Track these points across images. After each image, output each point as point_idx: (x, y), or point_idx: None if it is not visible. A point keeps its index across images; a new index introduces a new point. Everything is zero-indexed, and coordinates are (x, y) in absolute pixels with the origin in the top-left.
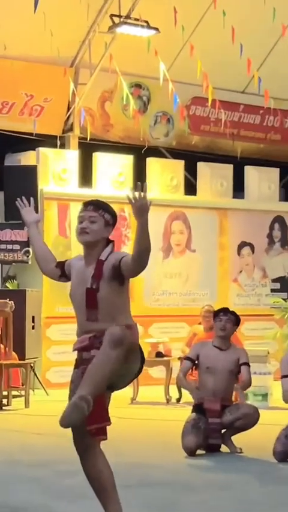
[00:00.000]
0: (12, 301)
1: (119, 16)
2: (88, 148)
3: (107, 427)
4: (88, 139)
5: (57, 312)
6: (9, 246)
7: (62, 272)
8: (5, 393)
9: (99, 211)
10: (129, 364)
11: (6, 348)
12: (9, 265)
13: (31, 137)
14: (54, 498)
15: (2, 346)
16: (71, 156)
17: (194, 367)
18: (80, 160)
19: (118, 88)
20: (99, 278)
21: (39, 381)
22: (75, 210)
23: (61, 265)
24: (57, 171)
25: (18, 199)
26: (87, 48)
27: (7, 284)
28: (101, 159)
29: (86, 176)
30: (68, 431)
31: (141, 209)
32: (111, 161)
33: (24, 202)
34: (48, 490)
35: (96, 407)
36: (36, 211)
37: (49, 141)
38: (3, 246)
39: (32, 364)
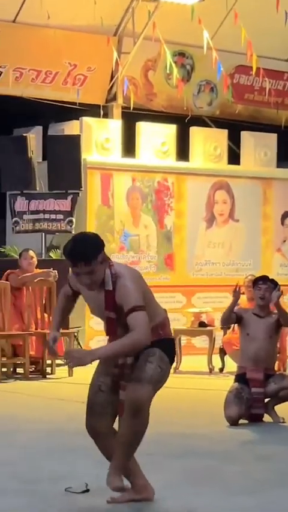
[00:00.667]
0: (55, 271)
1: None
2: (131, 117)
3: None
4: (131, 108)
5: None
6: (53, 216)
7: (73, 291)
8: (48, 362)
9: (92, 262)
10: (167, 365)
11: (50, 317)
12: (52, 235)
13: (74, 107)
14: (99, 466)
15: (46, 315)
16: (114, 125)
17: (236, 325)
18: (123, 130)
19: (161, 57)
20: (114, 309)
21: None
22: (118, 179)
23: (71, 288)
24: (101, 141)
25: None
26: (131, 17)
27: (50, 254)
28: (144, 129)
29: (129, 146)
30: None
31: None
32: (154, 130)
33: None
34: (93, 458)
35: None
36: (80, 183)
37: (92, 110)
38: (46, 216)
39: (75, 333)
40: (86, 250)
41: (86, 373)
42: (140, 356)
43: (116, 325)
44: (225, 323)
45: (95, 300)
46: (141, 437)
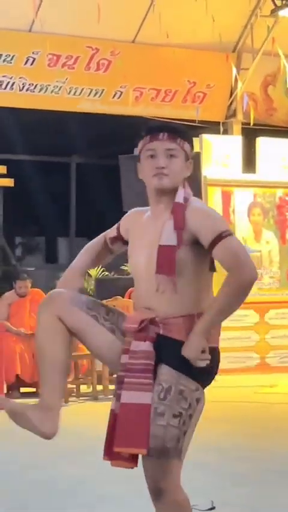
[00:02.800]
0: None
1: None
2: (251, 133)
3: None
4: (251, 124)
5: None
6: None
7: (116, 237)
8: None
9: (178, 140)
10: (193, 396)
11: None
12: None
13: (194, 124)
14: (219, 483)
15: None
16: (234, 141)
17: None
18: (243, 146)
19: (281, 71)
20: (180, 229)
21: None
22: (239, 195)
23: (117, 231)
24: (221, 157)
25: None
26: (250, 33)
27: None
28: (264, 144)
29: (249, 161)
30: (238, 419)
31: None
32: (274, 146)
33: None
34: (213, 475)
35: None
36: (200, 196)
37: (212, 127)
38: None
39: None
40: (177, 126)
41: (211, 389)
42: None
43: (173, 259)
44: None
45: (148, 230)
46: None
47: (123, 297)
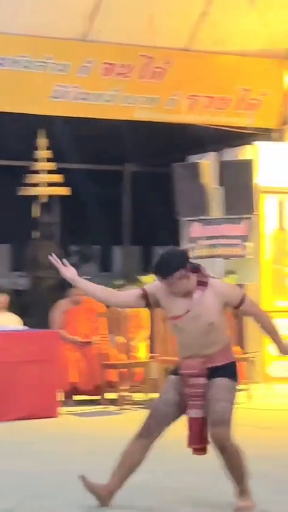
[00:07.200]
0: None
1: None
2: None
3: None
4: None
5: (276, 307)
6: (228, 241)
7: (146, 302)
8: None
9: (168, 278)
10: (236, 389)
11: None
12: (227, 259)
13: (248, 131)
14: (280, 493)
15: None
16: None
17: None
18: None
19: None
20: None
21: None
22: None
23: (145, 295)
24: (274, 165)
25: (50, 256)
26: None
27: (227, 278)
28: None
29: None
30: None
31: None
32: None
33: (56, 260)
34: (273, 484)
35: None
36: (252, 204)
37: (266, 134)
38: (222, 241)
39: (253, 358)
40: (162, 268)
41: (264, 398)
42: (215, 383)
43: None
44: None
45: (185, 304)
46: (241, 463)
47: None
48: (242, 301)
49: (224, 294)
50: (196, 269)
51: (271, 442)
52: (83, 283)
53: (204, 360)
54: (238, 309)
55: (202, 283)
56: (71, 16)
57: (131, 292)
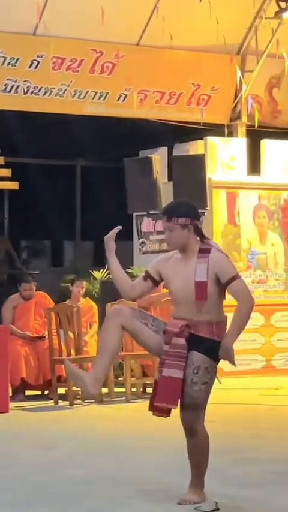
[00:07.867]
0: None
1: (286, 0)
2: (256, 135)
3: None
4: (256, 126)
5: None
6: None
7: (153, 281)
8: None
9: (172, 219)
10: (212, 370)
11: None
12: None
13: (199, 127)
14: (225, 485)
15: None
16: (239, 144)
17: None
18: (248, 148)
19: (286, 74)
20: (206, 273)
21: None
22: (244, 198)
23: (148, 276)
24: (225, 160)
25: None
26: (254, 35)
27: None
28: (269, 146)
29: (254, 164)
30: (238, 420)
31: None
32: (279, 148)
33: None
34: (220, 477)
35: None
36: (205, 199)
37: (216, 129)
38: None
39: None
40: (173, 208)
41: (214, 392)
42: (194, 359)
43: (207, 291)
44: None
45: (182, 269)
46: (204, 451)
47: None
48: (231, 279)
49: (217, 264)
50: (202, 235)
51: (216, 436)
52: (113, 265)
53: (189, 323)
54: (226, 287)
55: (204, 251)
56: (21, 10)
57: (138, 282)
